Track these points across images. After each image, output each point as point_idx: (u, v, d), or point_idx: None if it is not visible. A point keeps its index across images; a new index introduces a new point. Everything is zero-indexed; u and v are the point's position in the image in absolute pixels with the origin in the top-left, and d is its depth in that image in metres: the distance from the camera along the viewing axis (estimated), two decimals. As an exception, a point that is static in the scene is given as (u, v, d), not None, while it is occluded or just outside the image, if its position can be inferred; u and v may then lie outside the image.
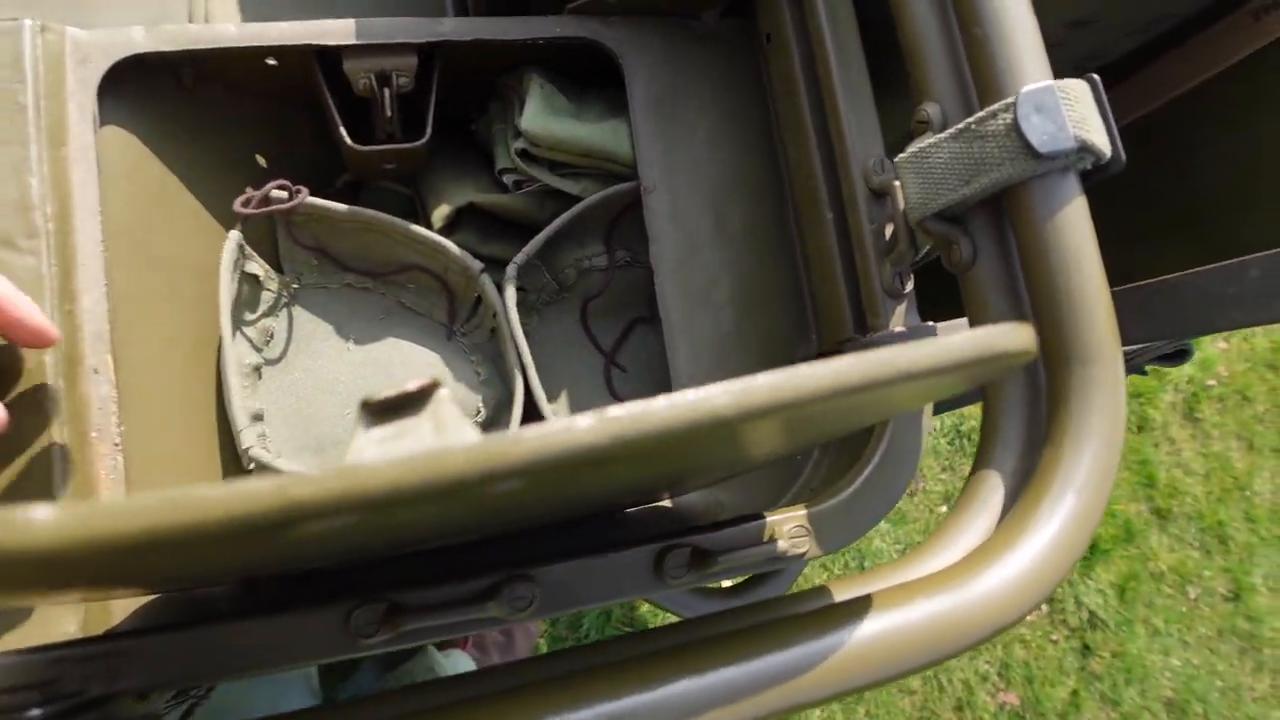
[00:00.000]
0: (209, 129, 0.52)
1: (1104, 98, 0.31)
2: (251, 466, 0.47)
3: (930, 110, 0.35)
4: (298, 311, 0.54)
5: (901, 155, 0.36)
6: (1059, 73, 0.52)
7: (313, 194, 0.52)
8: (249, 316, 0.51)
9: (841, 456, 0.45)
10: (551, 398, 0.55)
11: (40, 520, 0.13)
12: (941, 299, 0.47)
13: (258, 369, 0.51)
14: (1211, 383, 1.79)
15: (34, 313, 0.37)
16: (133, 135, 0.48)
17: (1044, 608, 1.52)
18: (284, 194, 0.50)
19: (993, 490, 0.31)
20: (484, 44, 0.50)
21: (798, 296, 0.51)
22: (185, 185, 0.50)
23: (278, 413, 0.51)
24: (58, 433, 0.40)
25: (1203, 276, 0.35)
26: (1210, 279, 0.34)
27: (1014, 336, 0.18)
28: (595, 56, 0.52)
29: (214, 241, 0.50)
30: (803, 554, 0.37)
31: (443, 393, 0.21)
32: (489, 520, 0.26)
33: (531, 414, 0.51)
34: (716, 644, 0.26)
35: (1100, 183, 0.34)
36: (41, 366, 0.40)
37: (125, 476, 0.42)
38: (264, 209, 0.49)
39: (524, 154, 0.53)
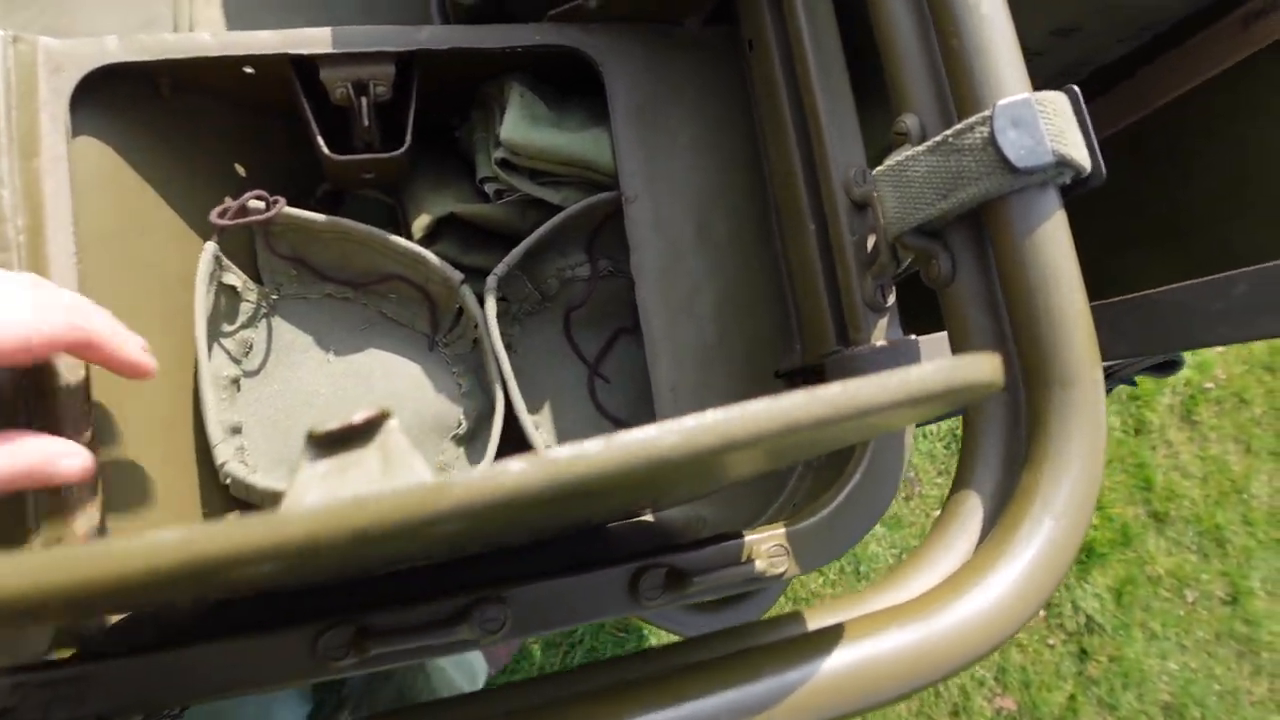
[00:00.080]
0: (187, 138, 0.51)
1: (1084, 110, 0.31)
2: (228, 481, 0.46)
3: (909, 122, 0.34)
4: (277, 322, 0.53)
5: (879, 168, 0.35)
6: (1044, 80, 0.51)
7: (293, 203, 0.51)
8: (227, 328, 0.50)
9: (826, 471, 0.44)
10: (534, 409, 0.55)
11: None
12: (925, 310, 0.47)
13: (236, 381, 0.51)
14: (1209, 385, 1.78)
15: (138, 350, 0.37)
16: (108, 145, 0.47)
17: (1041, 612, 1.51)
18: (261, 204, 0.49)
19: (972, 512, 0.30)
20: (463, 52, 0.49)
21: (782, 305, 0.50)
22: (162, 196, 0.50)
23: (256, 425, 0.51)
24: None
25: (1188, 291, 0.34)
26: (1196, 294, 0.34)
27: (979, 369, 0.17)
28: (578, 64, 0.52)
29: (192, 252, 0.49)
30: (781, 574, 0.36)
31: (391, 424, 0.20)
32: (451, 548, 0.26)
33: (513, 427, 0.50)
34: (685, 675, 0.25)
35: (1088, 189, 0.33)
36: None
37: (101, 495, 0.42)
38: (241, 220, 0.48)
39: (504, 163, 0.52)
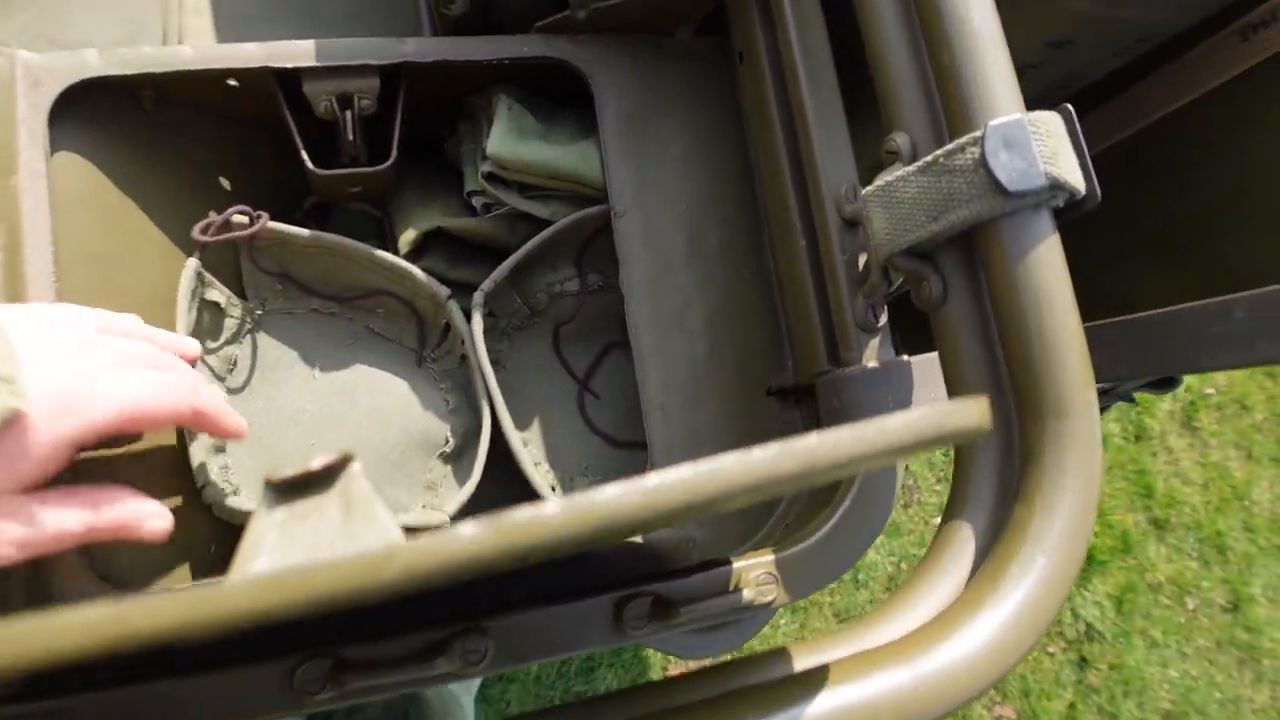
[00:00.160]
0: (170, 152, 0.51)
1: (1078, 130, 0.30)
2: (210, 503, 0.46)
3: (899, 140, 0.33)
4: (262, 338, 0.52)
5: (869, 188, 0.34)
6: (1039, 91, 0.51)
7: (281, 215, 0.50)
8: (210, 345, 0.50)
9: (818, 493, 0.43)
10: (523, 425, 0.54)
11: None
12: (922, 324, 0.46)
13: (220, 398, 0.50)
14: (1210, 391, 1.77)
15: (235, 419, 0.41)
16: (88, 161, 0.46)
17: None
18: (245, 219, 0.48)
19: (962, 545, 0.29)
20: (449, 65, 0.48)
21: (774, 318, 0.50)
22: (145, 211, 0.49)
23: (241, 444, 0.50)
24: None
25: (1186, 314, 0.33)
26: (1194, 317, 0.33)
27: (965, 416, 0.17)
28: (567, 76, 0.51)
29: (177, 268, 0.48)
30: (770, 602, 0.35)
31: (354, 468, 0.19)
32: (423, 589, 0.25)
33: (501, 444, 0.49)
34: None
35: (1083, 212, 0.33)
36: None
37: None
38: (224, 236, 0.47)
39: (492, 177, 0.51)
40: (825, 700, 0.23)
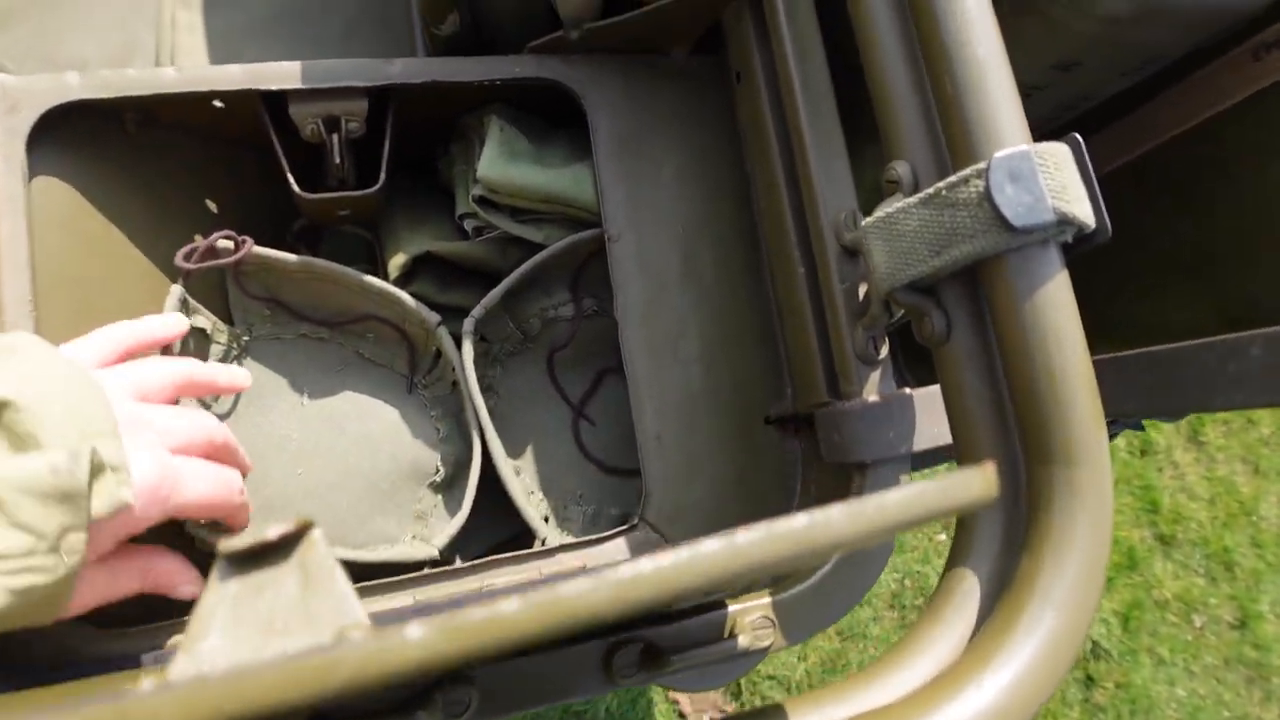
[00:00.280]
0: (155, 175, 0.50)
1: (1087, 161, 0.28)
2: (193, 535, 0.44)
3: (900, 170, 0.32)
4: (249, 364, 0.51)
5: (869, 220, 0.33)
6: (1046, 113, 0.49)
7: (270, 238, 0.49)
8: (195, 371, 0.48)
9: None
10: (515, 453, 0.53)
11: None
12: (926, 352, 0.45)
13: (204, 427, 0.48)
14: (1216, 404, 1.75)
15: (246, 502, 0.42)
16: (69, 185, 0.45)
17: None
18: (230, 244, 0.47)
19: (966, 596, 0.28)
20: (439, 86, 0.47)
21: (773, 343, 0.48)
22: (128, 235, 0.48)
23: (226, 473, 0.48)
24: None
25: (1201, 351, 0.32)
26: (1210, 354, 0.31)
27: (968, 490, 0.15)
28: (560, 96, 0.50)
29: (161, 293, 0.47)
30: (766, 648, 0.34)
31: (314, 535, 0.18)
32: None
33: (492, 474, 0.48)
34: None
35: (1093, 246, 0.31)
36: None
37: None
38: (207, 263, 0.46)
39: (483, 200, 0.50)
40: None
